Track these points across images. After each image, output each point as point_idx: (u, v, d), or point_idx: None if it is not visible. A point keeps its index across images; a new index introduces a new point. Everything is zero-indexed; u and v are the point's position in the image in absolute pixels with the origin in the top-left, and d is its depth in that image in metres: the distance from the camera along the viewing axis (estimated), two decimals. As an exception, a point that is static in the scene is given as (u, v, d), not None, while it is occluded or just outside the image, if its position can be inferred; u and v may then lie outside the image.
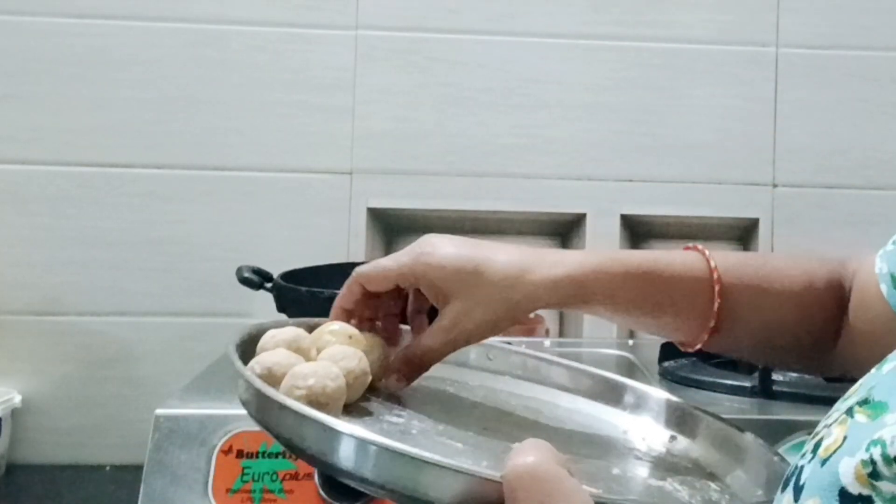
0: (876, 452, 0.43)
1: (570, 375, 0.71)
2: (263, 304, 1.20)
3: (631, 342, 1.45)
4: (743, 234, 1.49)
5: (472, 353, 0.71)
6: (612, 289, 0.67)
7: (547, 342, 1.44)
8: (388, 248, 1.44)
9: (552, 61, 1.46)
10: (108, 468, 1.33)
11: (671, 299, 0.68)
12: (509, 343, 1.21)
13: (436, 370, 0.66)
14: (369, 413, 0.59)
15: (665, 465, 0.61)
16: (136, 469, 0.93)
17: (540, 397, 0.69)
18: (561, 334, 1.47)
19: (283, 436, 0.51)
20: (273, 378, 0.55)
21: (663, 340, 1.26)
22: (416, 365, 0.66)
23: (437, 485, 0.45)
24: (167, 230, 1.40)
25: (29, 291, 1.38)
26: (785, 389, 1.01)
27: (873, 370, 0.49)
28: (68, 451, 1.35)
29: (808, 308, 0.70)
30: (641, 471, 0.60)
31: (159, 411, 0.91)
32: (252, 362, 0.56)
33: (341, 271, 1.27)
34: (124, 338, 1.38)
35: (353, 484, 0.47)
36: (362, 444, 0.46)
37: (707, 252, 0.70)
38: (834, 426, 0.48)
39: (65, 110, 1.39)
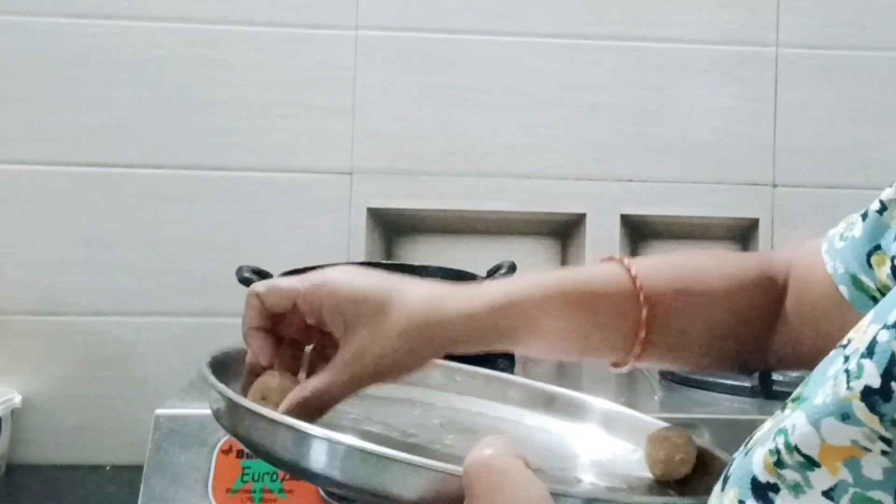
0: (780, 441, 0.44)
1: (533, 394, 0.72)
2: (263, 304, 1.19)
3: (631, 342, 1.45)
4: (743, 234, 1.48)
5: (437, 374, 0.72)
6: (533, 314, 0.62)
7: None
8: (388, 248, 1.44)
9: (552, 61, 1.46)
10: (108, 468, 1.33)
11: (596, 316, 0.64)
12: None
13: (402, 391, 0.67)
14: (340, 427, 0.60)
15: (628, 478, 0.62)
16: (136, 469, 0.93)
17: (506, 416, 0.70)
18: (561, 334, 1.46)
19: (256, 442, 0.52)
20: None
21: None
22: (313, 407, 0.57)
23: (401, 482, 0.46)
24: (167, 230, 1.40)
25: (29, 291, 1.38)
26: (785, 389, 1.01)
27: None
28: (68, 451, 1.35)
29: (739, 305, 0.68)
30: (603, 481, 0.61)
31: (159, 411, 0.92)
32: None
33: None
34: (124, 338, 1.38)
35: (322, 486, 0.49)
36: (331, 445, 0.48)
37: (625, 260, 0.66)
38: (768, 421, 0.48)
39: (65, 110, 1.38)
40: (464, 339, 0.59)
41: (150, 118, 1.40)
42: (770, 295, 0.69)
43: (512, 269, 1.22)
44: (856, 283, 0.64)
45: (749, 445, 0.48)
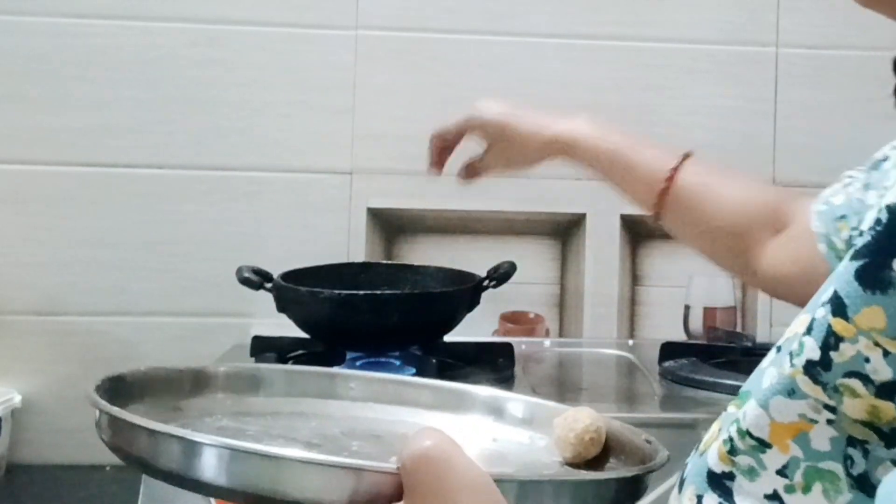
0: (733, 430, 0.47)
1: (430, 394, 0.71)
2: (263, 304, 1.20)
3: (631, 342, 1.45)
4: (743, 234, 1.49)
5: (332, 383, 0.70)
6: (588, 157, 0.97)
7: (547, 342, 1.44)
8: (388, 248, 1.44)
9: (552, 61, 1.46)
10: (108, 468, 1.33)
11: (633, 177, 0.91)
12: (514, 343, 1.22)
13: (297, 405, 0.68)
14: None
15: (537, 465, 0.61)
16: (137, 469, 0.93)
17: (406, 418, 0.68)
18: (561, 334, 1.47)
19: (147, 460, 0.50)
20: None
21: (664, 340, 1.26)
22: (473, 169, 1.04)
23: (331, 486, 0.44)
24: (167, 230, 1.40)
25: (29, 291, 1.38)
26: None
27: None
28: (68, 451, 1.35)
29: (750, 209, 0.85)
30: (520, 471, 0.60)
31: (159, 411, 0.91)
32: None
33: (341, 271, 1.28)
34: (124, 338, 1.38)
35: (233, 500, 0.47)
36: (246, 454, 0.46)
37: (690, 157, 0.87)
38: (713, 423, 0.51)
39: (65, 110, 1.39)
40: (547, 152, 0.99)
41: (151, 118, 1.40)
42: (766, 224, 0.83)
43: (512, 268, 1.22)
44: (829, 243, 0.75)
45: (701, 448, 0.49)
